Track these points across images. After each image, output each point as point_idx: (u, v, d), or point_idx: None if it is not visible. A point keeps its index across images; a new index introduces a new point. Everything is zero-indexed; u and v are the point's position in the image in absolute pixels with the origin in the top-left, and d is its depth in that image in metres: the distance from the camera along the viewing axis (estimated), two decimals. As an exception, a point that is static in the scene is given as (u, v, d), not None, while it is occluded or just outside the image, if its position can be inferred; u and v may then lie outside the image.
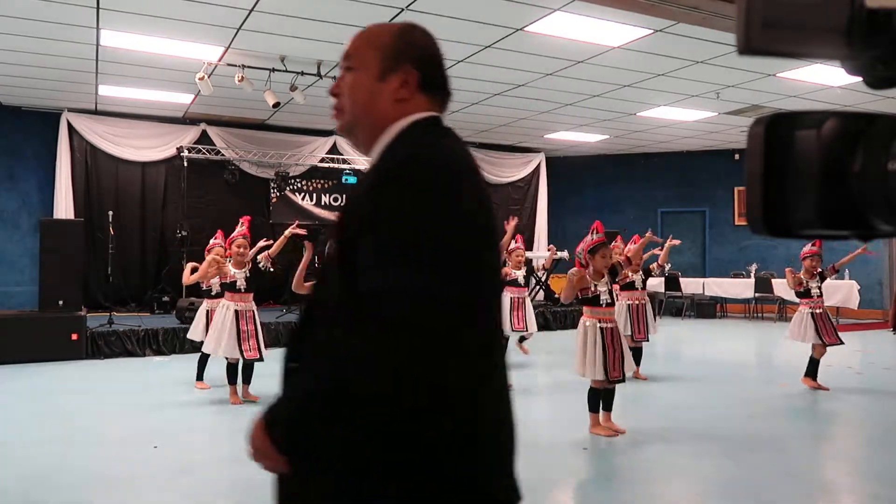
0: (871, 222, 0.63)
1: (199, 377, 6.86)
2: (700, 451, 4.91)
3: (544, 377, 7.72)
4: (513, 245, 7.90)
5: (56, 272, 8.62)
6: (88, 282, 10.61)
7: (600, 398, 5.17)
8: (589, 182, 16.22)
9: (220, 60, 8.41)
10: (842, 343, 6.87)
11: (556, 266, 10.50)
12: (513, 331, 7.76)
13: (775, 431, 5.54)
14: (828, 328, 6.81)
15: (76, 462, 4.58)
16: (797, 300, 7.26)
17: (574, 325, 10.70)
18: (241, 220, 6.45)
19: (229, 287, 6.21)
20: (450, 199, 1.20)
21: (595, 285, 5.06)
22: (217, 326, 6.10)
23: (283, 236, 6.35)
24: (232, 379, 6.17)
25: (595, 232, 5.12)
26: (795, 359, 8.74)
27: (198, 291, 10.90)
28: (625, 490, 4.16)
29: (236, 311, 6.08)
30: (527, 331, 7.90)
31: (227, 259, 6.32)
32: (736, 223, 15.20)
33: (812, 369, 6.96)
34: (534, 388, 7.01)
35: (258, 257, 6.27)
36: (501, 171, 15.02)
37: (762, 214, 0.65)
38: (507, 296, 7.68)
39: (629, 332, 7.12)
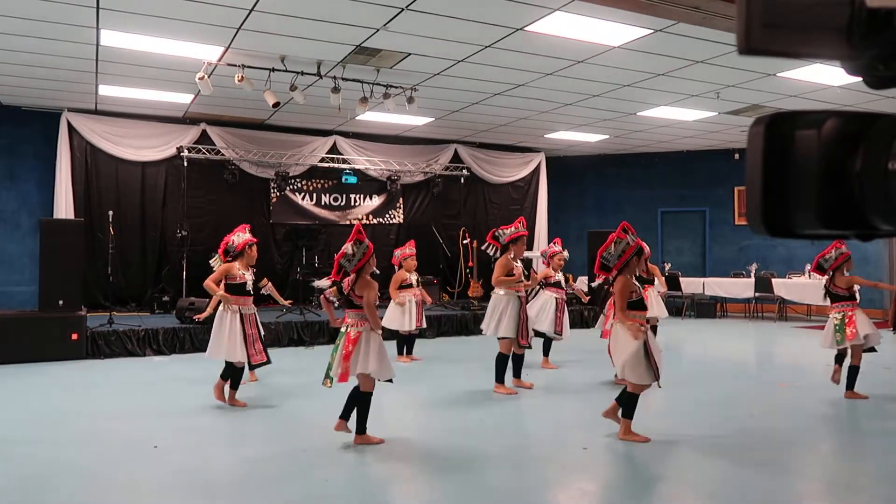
0: (871, 222, 0.63)
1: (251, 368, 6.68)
2: (700, 450, 4.91)
3: (545, 377, 7.72)
4: (556, 248, 8.20)
5: (56, 272, 8.62)
6: (88, 282, 10.60)
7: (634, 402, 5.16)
8: (589, 182, 16.23)
9: (220, 60, 8.41)
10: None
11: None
12: (555, 333, 7.91)
13: (775, 431, 5.54)
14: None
15: (76, 462, 4.58)
16: (827, 303, 6.85)
17: (575, 326, 10.68)
18: (245, 227, 6.42)
19: (238, 290, 6.13)
20: None
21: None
22: (226, 334, 6.00)
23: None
24: (235, 384, 6.14)
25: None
26: (795, 359, 8.74)
27: (196, 292, 10.91)
28: (624, 490, 4.16)
29: (242, 315, 6.09)
30: (561, 336, 8.04)
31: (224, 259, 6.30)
32: (736, 223, 15.20)
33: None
34: (535, 388, 7.01)
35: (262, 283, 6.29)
36: (501, 170, 15.02)
37: (762, 214, 0.65)
38: (553, 296, 7.89)
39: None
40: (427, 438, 5.28)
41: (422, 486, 4.29)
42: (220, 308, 6.15)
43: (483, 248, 7.24)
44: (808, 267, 13.10)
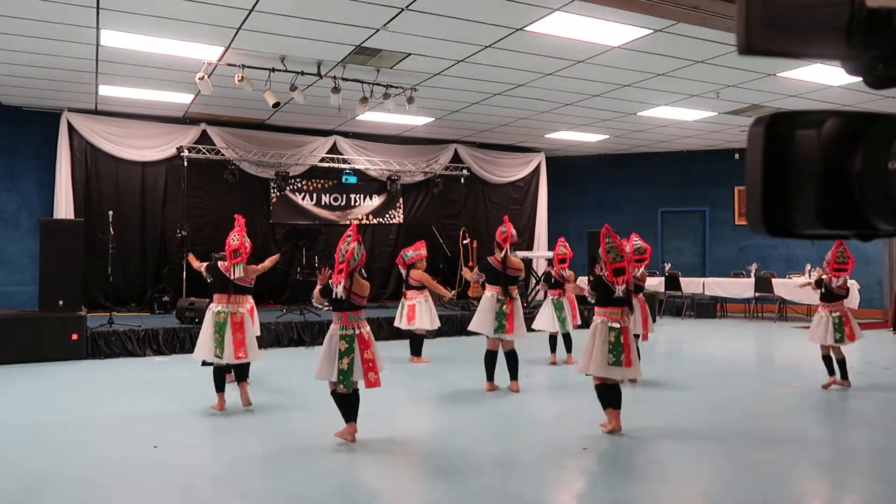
0: (871, 222, 0.63)
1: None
2: (700, 450, 4.91)
3: (546, 377, 7.72)
4: (563, 249, 8.37)
5: (56, 272, 8.62)
6: (88, 282, 10.60)
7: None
8: (589, 182, 16.23)
9: (220, 60, 8.41)
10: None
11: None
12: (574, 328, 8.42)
13: (775, 431, 5.54)
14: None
15: (76, 462, 4.59)
16: (817, 302, 7.15)
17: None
18: (241, 220, 6.22)
19: (249, 290, 6.06)
20: None
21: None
22: (251, 333, 5.92)
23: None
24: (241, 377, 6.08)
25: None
26: (795, 359, 8.74)
27: (197, 292, 10.91)
28: (625, 490, 4.16)
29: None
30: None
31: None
32: (736, 223, 15.20)
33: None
34: (536, 387, 7.01)
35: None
36: (501, 170, 15.01)
37: (762, 214, 0.65)
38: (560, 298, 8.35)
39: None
40: (427, 438, 5.28)
41: (421, 486, 4.29)
42: (245, 308, 5.94)
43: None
44: (808, 267, 13.11)
